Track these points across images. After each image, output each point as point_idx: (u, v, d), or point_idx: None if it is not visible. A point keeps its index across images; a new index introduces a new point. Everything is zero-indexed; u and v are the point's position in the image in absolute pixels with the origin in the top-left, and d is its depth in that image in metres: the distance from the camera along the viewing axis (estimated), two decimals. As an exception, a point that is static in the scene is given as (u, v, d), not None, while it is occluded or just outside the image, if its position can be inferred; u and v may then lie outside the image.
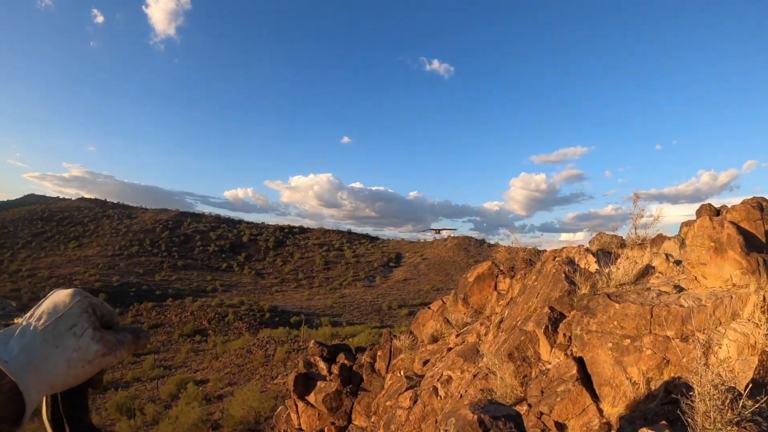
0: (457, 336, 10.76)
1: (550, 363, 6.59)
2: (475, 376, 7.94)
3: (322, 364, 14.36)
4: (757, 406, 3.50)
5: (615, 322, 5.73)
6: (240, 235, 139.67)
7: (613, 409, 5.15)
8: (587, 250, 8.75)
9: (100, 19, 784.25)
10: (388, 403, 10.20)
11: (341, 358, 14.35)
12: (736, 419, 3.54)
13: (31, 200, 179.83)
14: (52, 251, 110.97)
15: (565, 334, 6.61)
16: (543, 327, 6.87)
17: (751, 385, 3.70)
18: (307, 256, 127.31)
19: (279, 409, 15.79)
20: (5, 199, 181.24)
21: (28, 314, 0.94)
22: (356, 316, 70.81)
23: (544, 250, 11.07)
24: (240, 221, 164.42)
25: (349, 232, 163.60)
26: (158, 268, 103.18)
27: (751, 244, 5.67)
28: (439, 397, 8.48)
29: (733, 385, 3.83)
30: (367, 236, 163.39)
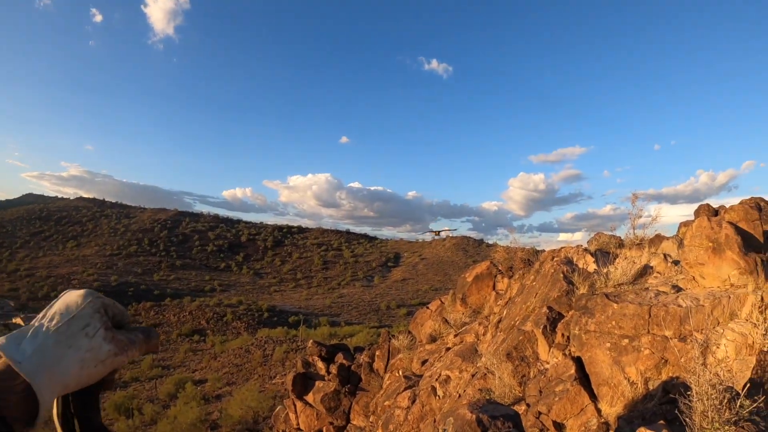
0: (455, 336, 10.76)
1: (548, 363, 6.60)
2: (473, 375, 7.95)
3: (320, 364, 14.35)
4: (754, 405, 3.51)
5: (613, 322, 5.74)
6: (238, 234, 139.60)
7: (612, 409, 5.15)
8: (585, 250, 8.76)
9: (98, 18, 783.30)
10: (386, 402, 10.20)
11: (339, 357, 14.34)
12: (733, 419, 3.54)
13: (30, 200, 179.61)
14: (50, 251, 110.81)
15: (563, 334, 6.62)
16: (541, 327, 6.88)
17: (748, 385, 3.71)
18: (306, 255, 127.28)
19: (277, 408, 15.79)
20: (3, 199, 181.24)
21: (40, 315, 0.94)
22: (354, 316, 70.80)
23: (543, 250, 11.07)
24: (238, 221, 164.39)
25: (348, 232, 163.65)
26: (156, 267, 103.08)
27: (749, 244, 5.68)
28: (437, 397, 8.48)
29: (730, 384, 3.84)
30: (365, 236, 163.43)
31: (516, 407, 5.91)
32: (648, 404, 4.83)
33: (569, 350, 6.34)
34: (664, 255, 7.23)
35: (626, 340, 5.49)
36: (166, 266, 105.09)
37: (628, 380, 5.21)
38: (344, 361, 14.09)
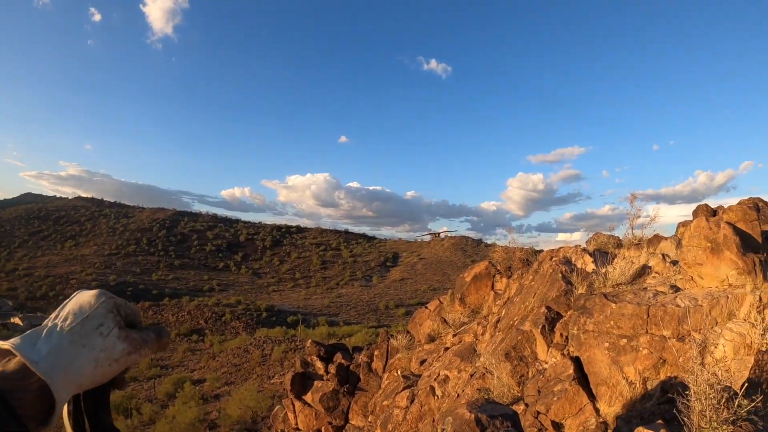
0: (454, 336, 10.77)
1: (546, 362, 6.61)
2: (472, 375, 7.96)
3: (319, 364, 14.35)
4: (752, 405, 3.52)
5: (611, 322, 5.75)
6: (237, 234, 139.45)
7: (610, 409, 5.16)
8: (584, 250, 8.77)
9: (97, 17, 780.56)
10: (385, 402, 10.20)
11: (338, 357, 14.35)
12: (731, 418, 3.55)
13: (28, 199, 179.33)
14: (48, 250, 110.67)
15: (561, 334, 6.63)
16: (540, 327, 6.89)
17: (746, 385, 3.71)
18: (304, 255, 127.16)
19: (276, 408, 15.78)
20: (2, 198, 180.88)
21: (53, 315, 0.95)
22: (353, 316, 70.73)
23: (541, 250, 11.09)
24: (237, 220, 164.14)
25: (346, 232, 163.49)
26: (155, 267, 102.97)
27: (747, 244, 5.70)
28: (436, 397, 8.49)
29: (728, 384, 3.85)
30: (364, 236, 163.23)
31: (514, 407, 5.91)
32: (646, 404, 4.84)
33: (568, 350, 6.35)
34: (663, 255, 7.24)
35: (624, 340, 5.50)
36: (164, 266, 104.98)
37: (627, 380, 5.22)
38: (343, 361, 14.10)
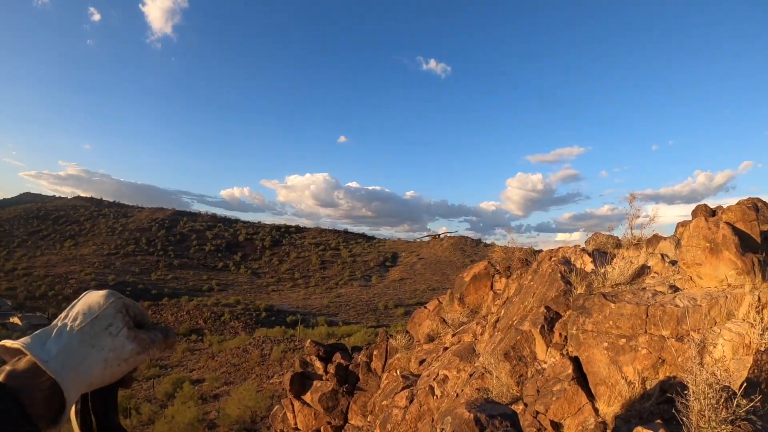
0: (453, 335, 10.77)
1: (546, 362, 6.62)
2: (471, 375, 7.96)
3: (318, 364, 14.35)
4: (751, 405, 3.52)
5: (611, 322, 5.76)
6: (236, 234, 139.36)
7: (609, 408, 5.17)
8: (583, 250, 8.78)
9: (96, 17, 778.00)
10: (384, 402, 10.21)
11: (337, 357, 14.35)
12: (730, 418, 3.56)
13: (27, 199, 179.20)
14: (47, 250, 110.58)
15: (560, 334, 6.63)
16: (539, 326, 6.89)
17: (745, 384, 3.72)
18: (304, 255, 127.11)
19: (275, 408, 15.78)
20: (1, 198, 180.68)
21: (62, 315, 0.96)
22: (352, 316, 70.70)
23: (541, 250, 11.10)
24: (236, 220, 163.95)
25: (346, 232, 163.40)
26: (154, 267, 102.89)
27: (746, 244, 5.70)
28: (435, 397, 8.49)
29: (727, 384, 3.85)
30: (363, 236, 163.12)
31: (513, 407, 5.92)
32: (645, 404, 4.84)
33: (567, 350, 6.35)
34: (662, 255, 7.25)
35: (623, 340, 5.51)
36: (163, 265, 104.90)
37: (626, 380, 5.23)
38: (342, 361, 14.10)
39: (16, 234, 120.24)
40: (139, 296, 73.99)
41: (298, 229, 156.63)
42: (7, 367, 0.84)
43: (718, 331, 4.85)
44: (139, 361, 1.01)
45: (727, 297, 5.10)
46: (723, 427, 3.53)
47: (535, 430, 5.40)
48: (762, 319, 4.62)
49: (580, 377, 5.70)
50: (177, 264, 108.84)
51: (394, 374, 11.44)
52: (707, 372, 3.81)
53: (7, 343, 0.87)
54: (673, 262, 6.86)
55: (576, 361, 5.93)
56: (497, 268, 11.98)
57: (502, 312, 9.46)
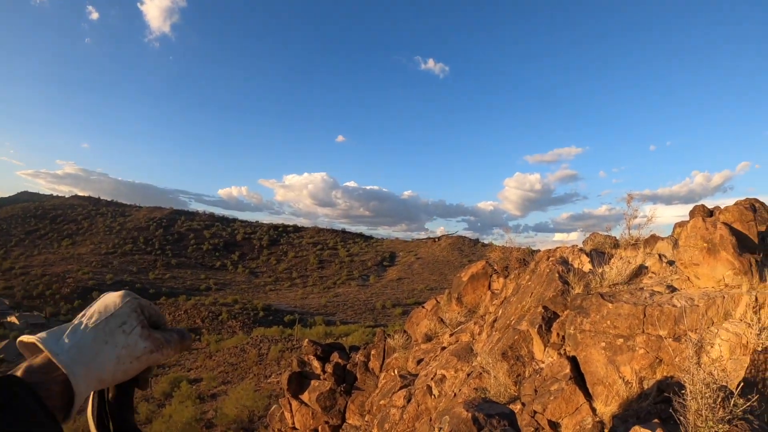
0: (451, 335, 10.78)
1: (543, 362, 6.62)
2: (468, 375, 7.96)
3: (316, 363, 14.35)
4: (748, 404, 3.53)
5: (608, 322, 5.77)
6: (234, 233, 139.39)
7: (606, 408, 5.18)
8: (581, 250, 8.79)
9: (94, 15, 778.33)
10: (382, 402, 10.21)
11: (335, 357, 14.35)
12: (727, 417, 3.57)
13: (25, 198, 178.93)
14: (45, 249, 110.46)
15: (558, 334, 6.64)
16: (536, 326, 6.90)
17: (742, 384, 3.73)
18: (301, 254, 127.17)
19: (273, 407, 15.78)
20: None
21: (80, 314, 0.98)
22: (350, 315, 70.78)
23: (538, 250, 11.10)
24: (234, 220, 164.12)
25: (343, 231, 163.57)
26: (152, 266, 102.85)
27: (743, 244, 5.72)
28: (433, 396, 8.50)
29: (724, 384, 3.86)
30: (361, 235, 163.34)
31: (511, 406, 5.92)
32: (643, 403, 4.85)
33: (564, 350, 6.36)
34: (659, 255, 7.26)
35: (621, 340, 5.52)
36: (161, 265, 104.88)
37: (623, 379, 5.24)
38: (340, 361, 14.10)
39: (14, 233, 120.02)
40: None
41: (296, 229, 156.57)
42: (25, 363, 0.87)
43: (716, 331, 4.86)
44: (152, 360, 1.01)
45: (724, 297, 5.11)
46: (720, 426, 3.54)
47: (532, 429, 5.40)
48: (759, 319, 4.63)
49: (578, 377, 5.71)
50: (175, 263, 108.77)
51: (392, 374, 11.45)
52: (704, 372, 3.82)
53: (24, 338, 0.90)
54: (671, 263, 6.88)
55: (573, 361, 5.93)
56: (495, 267, 11.99)
57: (500, 312, 9.47)
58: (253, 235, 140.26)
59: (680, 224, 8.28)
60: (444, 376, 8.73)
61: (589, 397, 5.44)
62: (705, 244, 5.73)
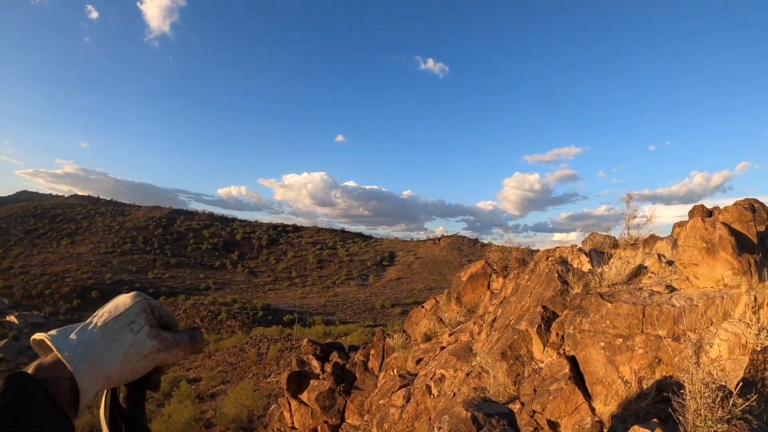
0: (450, 335, 10.78)
1: (542, 362, 6.63)
2: (468, 374, 7.97)
3: (315, 363, 14.35)
4: (747, 404, 3.53)
5: (607, 322, 5.77)
6: (233, 233, 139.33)
7: (606, 408, 5.18)
8: (580, 250, 8.79)
9: (94, 15, 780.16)
10: (381, 401, 10.21)
11: (334, 356, 14.35)
12: (726, 417, 3.57)
13: (24, 197, 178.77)
14: (44, 248, 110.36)
15: (557, 333, 6.64)
16: (536, 326, 6.90)
17: (741, 384, 3.73)
18: (301, 254, 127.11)
19: (272, 407, 15.78)
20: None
21: (93, 315, 1.00)
22: (349, 315, 70.77)
23: (537, 250, 11.10)
24: (233, 219, 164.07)
25: (343, 231, 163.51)
26: (151, 265, 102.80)
27: (742, 245, 5.72)
28: (432, 396, 8.50)
29: (723, 383, 3.86)
30: (360, 235, 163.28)
31: (510, 406, 5.92)
32: (642, 403, 4.85)
33: (564, 349, 6.36)
34: (659, 255, 7.27)
35: (620, 340, 5.52)
36: (160, 264, 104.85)
37: (622, 379, 5.24)
38: (339, 360, 14.10)
39: (13, 232, 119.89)
40: (136, 295, 73.78)
41: (295, 228, 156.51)
42: (37, 360, 0.88)
43: (715, 331, 4.87)
44: (159, 360, 1.03)
45: (723, 297, 5.11)
46: (719, 426, 3.54)
47: (531, 429, 5.40)
48: (758, 319, 4.64)
49: (577, 377, 5.71)
50: (174, 263, 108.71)
51: (391, 373, 11.44)
52: (703, 371, 3.82)
53: (36, 336, 0.92)
54: (670, 263, 6.88)
55: (573, 361, 5.93)
56: (494, 267, 11.99)
57: (499, 311, 9.47)
58: (252, 234, 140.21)
59: (679, 224, 8.28)
60: (443, 375, 8.73)
61: (588, 396, 5.44)
62: (704, 244, 5.73)
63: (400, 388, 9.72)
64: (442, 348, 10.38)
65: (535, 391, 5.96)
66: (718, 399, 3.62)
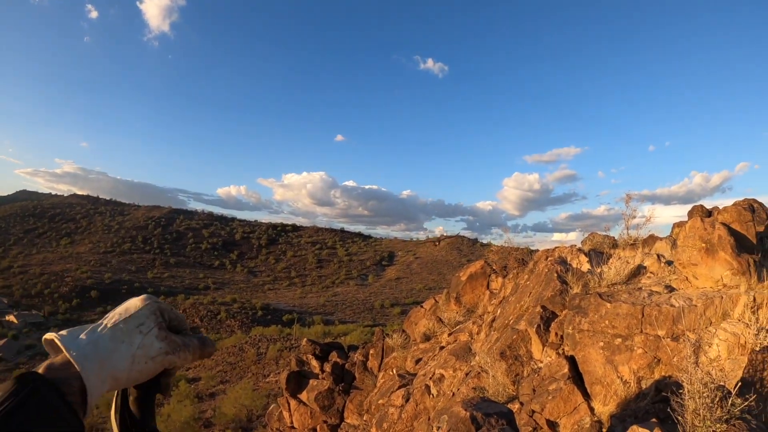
0: (449, 335, 10.78)
1: (542, 362, 6.63)
2: (467, 374, 7.97)
3: (314, 363, 14.35)
4: (746, 404, 3.54)
5: (606, 322, 5.77)
6: (233, 232, 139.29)
7: (605, 408, 5.18)
8: (579, 249, 8.79)
9: (94, 14, 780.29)
10: (380, 401, 10.21)
11: (334, 356, 14.35)
12: (725, 417, 3.57)
13: (23, 196, 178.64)
14: (43, 248, 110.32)
15: (557, 333, 6.65)
16: (535, 326, 6.90)
17: (740, 384, 3.74)
18: (300, 254, 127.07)
19: (271, 407, 15.78)
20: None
21: (104, 317, 1.01)
22: (349, 315, 70.77)
23: (537, 250, 11.10)
24: (233, 219, 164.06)
25: (342, 231, 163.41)
26: (150, 265, 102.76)
27: (742, 245, 5.72)
28: (431, 396, 8.50)
29: (722, 383, 3.87)
30: (359, 235, 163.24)
31: (510, 405, 5.92)
32: (641, 403, 4.86)
33: (563, 349, 6.36)
34: (658, 255, 7.27)
35: (619, 340, 5.52)
36: (160, 264, 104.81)
37: (621, 379, 5.24)
38: (338, 360, 14.10)
39: (12, 232, 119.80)
40: (135, 294, 73.29)
41: (295, 228, 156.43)
42: (48, 360, 0.89)
43: (714, 331, 4.87)
44: (167, 363, 1.03)
45: (722, 297, 5.11)
46: (718, 425, 3.54)
47: (531, 428, 5.41)
48: (757, 319, 4.64)
49: (576, 376, 5.72)
50: (173, 262, 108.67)
51: (391, 373, 11.44)
52: (702, 371, 3.83)
53: (47, 336, 0.92)
54: (669, 263, 6.88)
55: (572, 361, 5.94)
56: (494, 267, 11.99)
57: (499, 311, 9.47)
58: (251, 234, 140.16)
59: (679, 224, 8.27)
60: (442, 375, 8.73)
61: (587, 396, 5.45)
62: (703, 245, 5.74)
63: (400, 387, 9.72)
64: (442, 348, 10.38)
65: (534, 390, 5.97)
66: (717, 399, 3.63)
